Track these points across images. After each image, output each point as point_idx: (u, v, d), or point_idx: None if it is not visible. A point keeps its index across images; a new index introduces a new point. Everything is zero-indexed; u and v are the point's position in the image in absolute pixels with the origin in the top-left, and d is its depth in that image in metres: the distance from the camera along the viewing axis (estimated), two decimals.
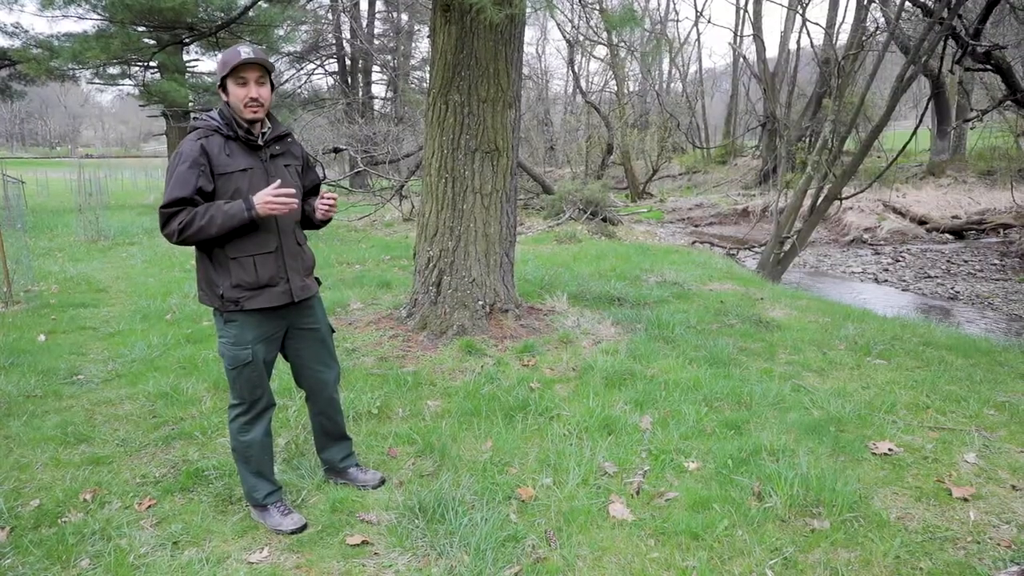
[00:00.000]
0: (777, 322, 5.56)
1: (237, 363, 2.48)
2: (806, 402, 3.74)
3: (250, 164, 2.45)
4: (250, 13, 14.25)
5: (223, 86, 2.43)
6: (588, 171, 21.92)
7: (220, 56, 2.46)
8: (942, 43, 8.68)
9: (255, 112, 2.43)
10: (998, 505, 2.70)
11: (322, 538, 2.54)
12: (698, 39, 38.97)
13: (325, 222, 2.70)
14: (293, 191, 2.43)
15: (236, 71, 2.38)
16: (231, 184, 2.41)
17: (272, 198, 2.35)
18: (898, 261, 12.21)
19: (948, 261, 11.91)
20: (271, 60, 2.58)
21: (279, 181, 2.43)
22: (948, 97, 19.36)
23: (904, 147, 9.23)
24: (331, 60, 24.88)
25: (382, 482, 2.92)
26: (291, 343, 2.67)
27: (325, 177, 14.65)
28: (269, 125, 2.53)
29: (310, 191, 2.75)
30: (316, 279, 2.72)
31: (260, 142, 2.48)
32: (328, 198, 2.61)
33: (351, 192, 17.07)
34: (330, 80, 26.00)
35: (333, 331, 2.85)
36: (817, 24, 19.07)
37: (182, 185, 2.33)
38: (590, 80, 33.82)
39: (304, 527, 2.59)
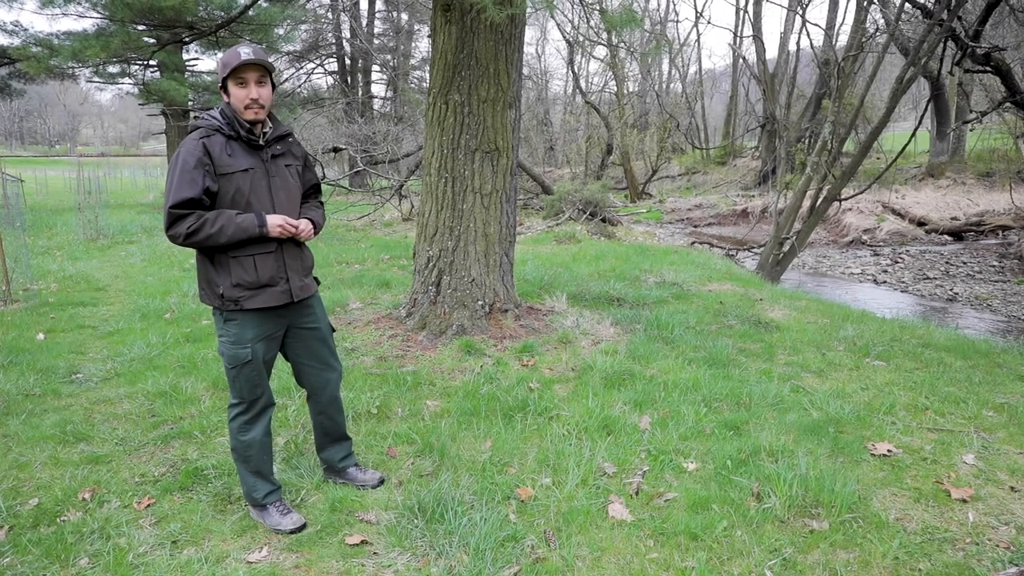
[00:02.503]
0: (776, 323, 5.56)
1: (237, 362, 2.48)
2: (805, 403, 3.75)
3: (251, 164, 2.45)
4: (250, 12, 14.25)
5: (224, 87, 2.44)
6: (587, 171, 21.94)
7: (221, 57, 2.46)
8: (942, 45, 8.69)
9: (256, 113, 2.44)
10: (997, 506, 2.71)
11: (321, 538, 2.54)
12: (698, 40, 38.95)
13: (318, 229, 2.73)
14: (310, 228, 2.55)
15: (236, 72, 2.38)
16: (232, 184, 2.41)
17: (287, 224, 2.44)
18: (897, 262, 12.22)
19: (947, 262, 11.92)
20: (271, 59, 2.58)
21: (305, 221, 2.53)
22: (947, 99, 19.39)
23: (903, 148, 9.23)
24: (331, 59, 24.89)
25: (381, 482, 2.92)
26: (291, 343, 2.67)
27: (324, 177, 14.65)
28: (270, 125, 2.54)
29: (309, 191, 2.75)
30: (315, 279, 2.72)
31: (261, 142, 2.49)
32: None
33: (350, 191, 17.06)
34: (330, 79, 26.01)
35: (334, 330, 2.85)
36: (817, 25, 19.14)
37: (190, 185, 2.32)
38: (590, 80, 33.86)
39: (303, 527, 2.59)
